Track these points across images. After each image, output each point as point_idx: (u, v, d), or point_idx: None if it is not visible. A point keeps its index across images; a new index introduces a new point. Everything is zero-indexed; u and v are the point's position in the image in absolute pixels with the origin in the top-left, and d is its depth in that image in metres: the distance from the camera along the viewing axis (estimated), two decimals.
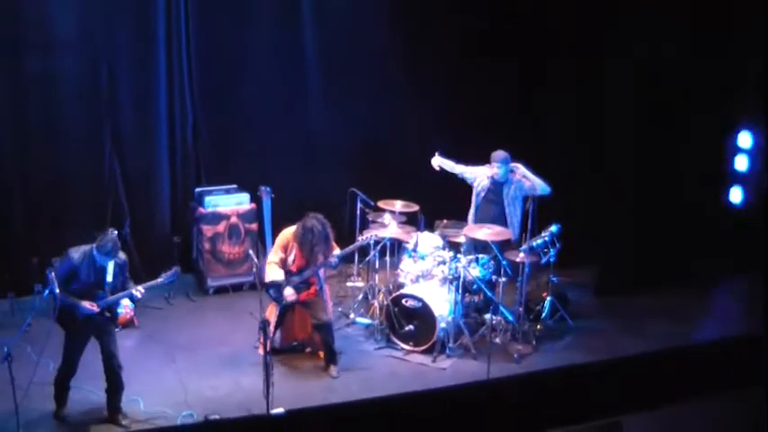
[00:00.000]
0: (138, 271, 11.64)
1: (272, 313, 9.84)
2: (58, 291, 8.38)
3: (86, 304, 8.50)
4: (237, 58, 12.44)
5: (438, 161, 10.97)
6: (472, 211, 10.96)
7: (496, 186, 10.74)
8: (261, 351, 9.15)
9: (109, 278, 8.65)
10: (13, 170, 11.67)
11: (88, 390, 9.17)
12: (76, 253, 8.64)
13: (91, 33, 11.65)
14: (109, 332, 8.78)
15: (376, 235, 10.56)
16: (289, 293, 9.71)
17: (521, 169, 10.63)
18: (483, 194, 10.83)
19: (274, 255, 9.91)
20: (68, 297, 8.47)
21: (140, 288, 8.74)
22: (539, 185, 10.53)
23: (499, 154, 10.61)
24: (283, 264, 9.82)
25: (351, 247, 10.36)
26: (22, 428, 8.07)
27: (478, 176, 10.89)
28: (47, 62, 11.52)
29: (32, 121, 11.64)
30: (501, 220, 10.65)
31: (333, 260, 9.81)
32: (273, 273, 9.77)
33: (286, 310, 9.95)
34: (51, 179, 11.84)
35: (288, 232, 9.87)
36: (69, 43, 11.56)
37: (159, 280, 8.93)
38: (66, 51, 11.58)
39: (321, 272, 9.87)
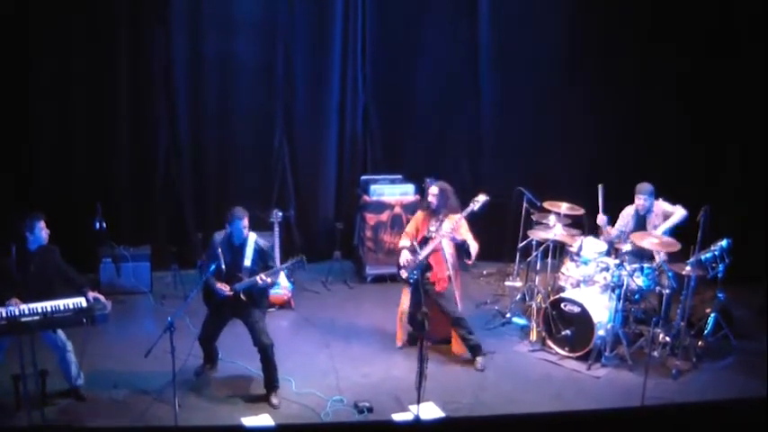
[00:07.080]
0: (300, 253, 11.84)
1: (404, 297, 9.95)
2: (210, 270, 8.64)
3: (220, 286, 8.74)
4: (411, 48, 12.46)
5: (602, 222, 10.63)
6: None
7: (640, 220, 10.50)
8: (398, 344, 9.94)
9: (246, 262, 8.85)
10: (187, 146, 12.06)
11: (242, 365, 9.40)
12: (219, 235, 8.92)
13: (272, 14, 11.89)
14: (249, 314, 8.86)
15: (486, 198, 9.88)
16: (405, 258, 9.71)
17: (660, 205, 10.39)
18: (629, 231, 10.54)
19: (409, 227, 10.04)
20: (209, 278, 8.72)
21: (263, 276, 8.81)
22: (678, 215, 10.27)
23: (644, 186, 10.40)
24: (412, 237, 9.86)
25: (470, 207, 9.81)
26: (179, 397, 8.20)
27: (624, 219, 10.66)
28: (226, 42, 11.81)
29: (208, 99, 12.02)
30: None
31: (474, 206, 9.63)
32: (402, 241, 9.91)
33: (417, 292, 9.70)
34: (222, 157, 12.21)
35: (420, 214, 9.97)
36: (249, 23, 11.83)
37: (278, 267, 9.18)
38: (246, 31, 11.85)
39: (450, 254, 9.72)
